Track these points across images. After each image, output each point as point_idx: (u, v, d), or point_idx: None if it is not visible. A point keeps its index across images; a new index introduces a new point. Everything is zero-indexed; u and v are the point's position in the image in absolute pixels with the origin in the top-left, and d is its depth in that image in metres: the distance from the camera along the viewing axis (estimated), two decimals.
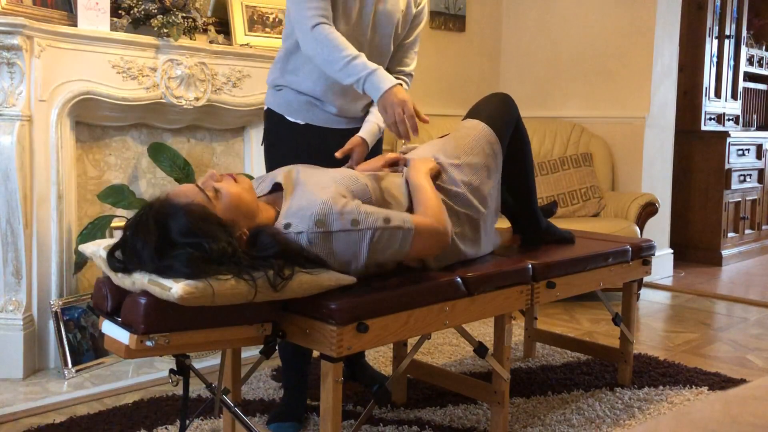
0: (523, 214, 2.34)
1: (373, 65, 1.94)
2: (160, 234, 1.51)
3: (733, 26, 5.43)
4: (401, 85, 1.92)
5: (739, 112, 5.73)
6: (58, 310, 2.62)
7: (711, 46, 5.19)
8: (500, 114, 2.15)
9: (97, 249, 1.66)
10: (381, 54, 2.19)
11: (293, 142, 2.19)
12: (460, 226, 1.99)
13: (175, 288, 1.42)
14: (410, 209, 1.88)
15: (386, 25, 2.16)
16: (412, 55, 2.31)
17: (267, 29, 3.26)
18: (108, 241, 1.70)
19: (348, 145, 2.08)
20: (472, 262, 2.04)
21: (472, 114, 2.17)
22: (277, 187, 1.85)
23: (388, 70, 2.19)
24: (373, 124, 2.18)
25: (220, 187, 1.64)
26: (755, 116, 6.24)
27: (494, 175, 2.10)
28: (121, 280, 1.55)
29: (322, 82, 2.13)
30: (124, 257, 1.56)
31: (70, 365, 2.59)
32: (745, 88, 5.87)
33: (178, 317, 1.51)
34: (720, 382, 2.63)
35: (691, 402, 2.48)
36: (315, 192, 1.70)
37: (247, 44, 3.14)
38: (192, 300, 1.44)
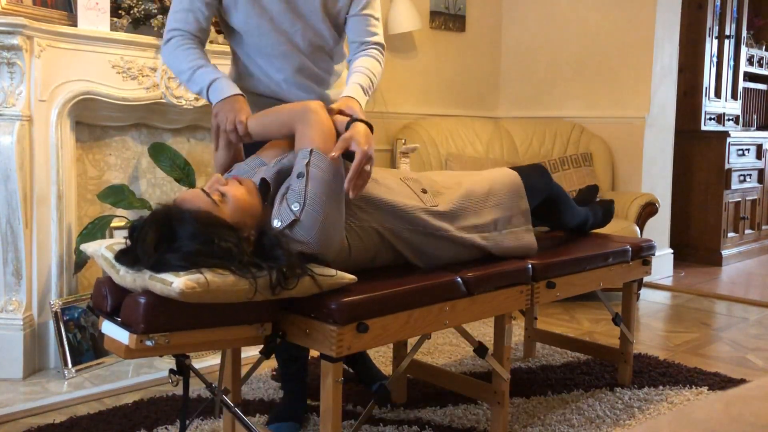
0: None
1: (217, 73, 1.91)
2: (163, 237, 1.52)
3: (733, 26, 5.43)
4: (242, 96, 1.88)
5: (739, 112, 5.73)
6: (58, 310, 2.62)
7: (711, 46, 5.19)
8: (533, 178, 2.26)
9: (99, 248, 1.67)
10: (320, 38, 2.04)
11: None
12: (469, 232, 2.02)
13: (177, 282, 1.43)
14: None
15: (310, 12, 2.00)
16: (373, 22, 2.10)
17: None
18: (109, 241, 1.71)
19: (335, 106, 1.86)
20: (473, 262, 2.04)
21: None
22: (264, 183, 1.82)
23: (351, 44, 2.09)
24: (353, 83, 1.98)
25: (225, 191, 1.66)
26: (755, 116, 6.24)
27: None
28: (122, 278, 1.55)
29: (285, 73, 2.03)
30: (125, 257, 1.56)
31: (70, 365, 2.59)
32: (745, 88, 5.87)
33: (178, 317, 1.51)
34: (720, 382, 2.63)
35: (691, 402, 2.48)
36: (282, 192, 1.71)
37: None
38: (193, 295, 1.44)
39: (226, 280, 1.49)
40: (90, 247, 1.71)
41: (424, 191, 1.99)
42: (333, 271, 1.65)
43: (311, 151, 1.69)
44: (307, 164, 1.67)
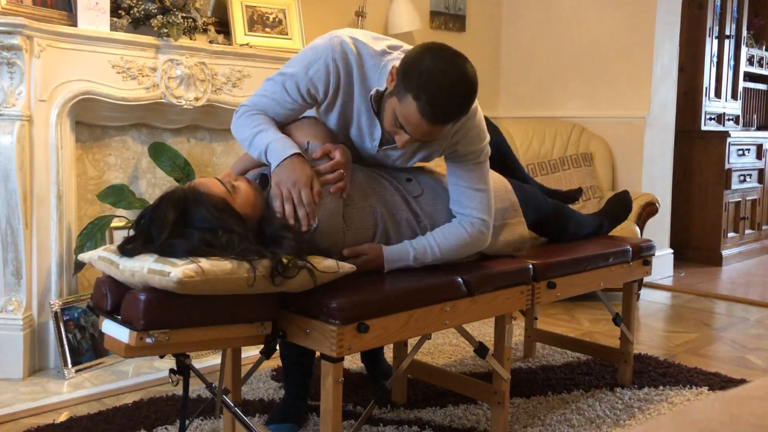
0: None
1: (275, 135, 1.77)
2: (178, 217, 1.58)
3: (733, 26, 5.43)
4: (301, 155, 1.74)
5: (739, 112, 5.73)
6: (58, 310, 2.62)
7: (711, 46, 5.19)
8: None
9: (95, 253, 1.69)
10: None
11: None
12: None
13: (174, 272, 1.43)
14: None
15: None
16: (474, 195, 1.95)
17: (267, 29, 3.26)
18: (105, 247, 1.73)
19: None
20: (473, 262, 2.04)
21: None
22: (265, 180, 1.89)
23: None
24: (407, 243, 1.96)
25: (237, 185, 1.73)
26: (755, 116, 6.24)
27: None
28: (121, 272, 1.55)
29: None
30: (134, 238, 1.61)
31: (70, 365, 2.59)
32: (745, 88, 5.87)
33: (178, 313, 1.52)
34: (720, 382, 2.63)
35: (691, 402, 2.48)
36: None
37: (247, 44, 3.15)
38: (191, 284, 1.45)
39: (224, 269, 1.50)
40: (86, 256, 1.73)
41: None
42: (334, 264, 1.66)
43: (308, 143, 1.82)
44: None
